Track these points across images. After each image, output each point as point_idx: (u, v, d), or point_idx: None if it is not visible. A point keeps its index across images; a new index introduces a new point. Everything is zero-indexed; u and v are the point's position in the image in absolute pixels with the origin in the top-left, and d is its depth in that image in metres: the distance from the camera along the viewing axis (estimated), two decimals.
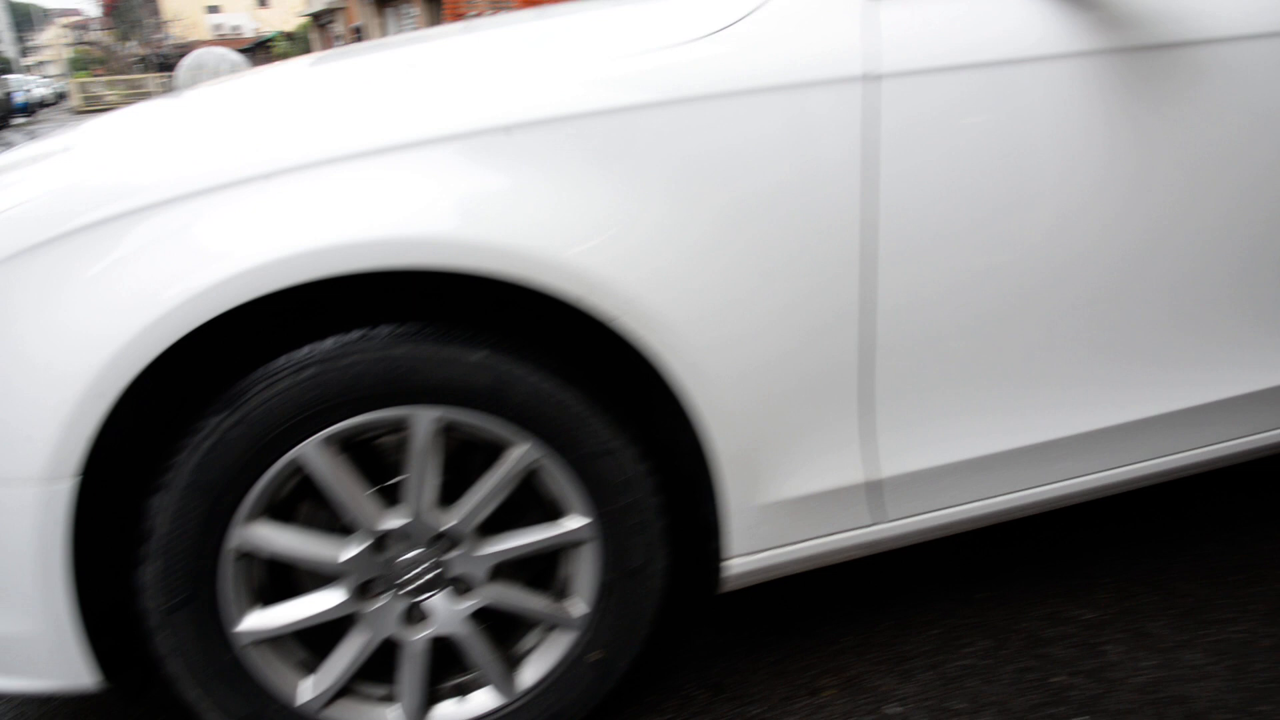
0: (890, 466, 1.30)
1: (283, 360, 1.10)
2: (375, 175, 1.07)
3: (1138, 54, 1.29)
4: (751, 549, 1.30)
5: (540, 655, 1.32)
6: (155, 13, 49.32)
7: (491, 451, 1.20)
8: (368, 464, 1.21)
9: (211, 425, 1.10)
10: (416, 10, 21.44)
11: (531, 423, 1.17)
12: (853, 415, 1.27)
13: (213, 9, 53.00)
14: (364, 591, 1.24)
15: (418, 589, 1.25)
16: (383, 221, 1.05)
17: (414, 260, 1.06)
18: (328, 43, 33.14)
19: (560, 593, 1.31)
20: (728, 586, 1.34)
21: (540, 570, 1.32)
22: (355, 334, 1.11)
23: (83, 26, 55.10)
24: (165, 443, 1.14)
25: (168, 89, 35.97)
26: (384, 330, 1.11)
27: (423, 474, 1.18)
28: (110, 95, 35.47)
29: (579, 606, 1.29)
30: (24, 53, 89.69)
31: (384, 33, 25.09)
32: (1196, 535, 1.83)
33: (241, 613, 1.20)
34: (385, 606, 1.25)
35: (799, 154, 1.15)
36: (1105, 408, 1.39)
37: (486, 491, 1.20)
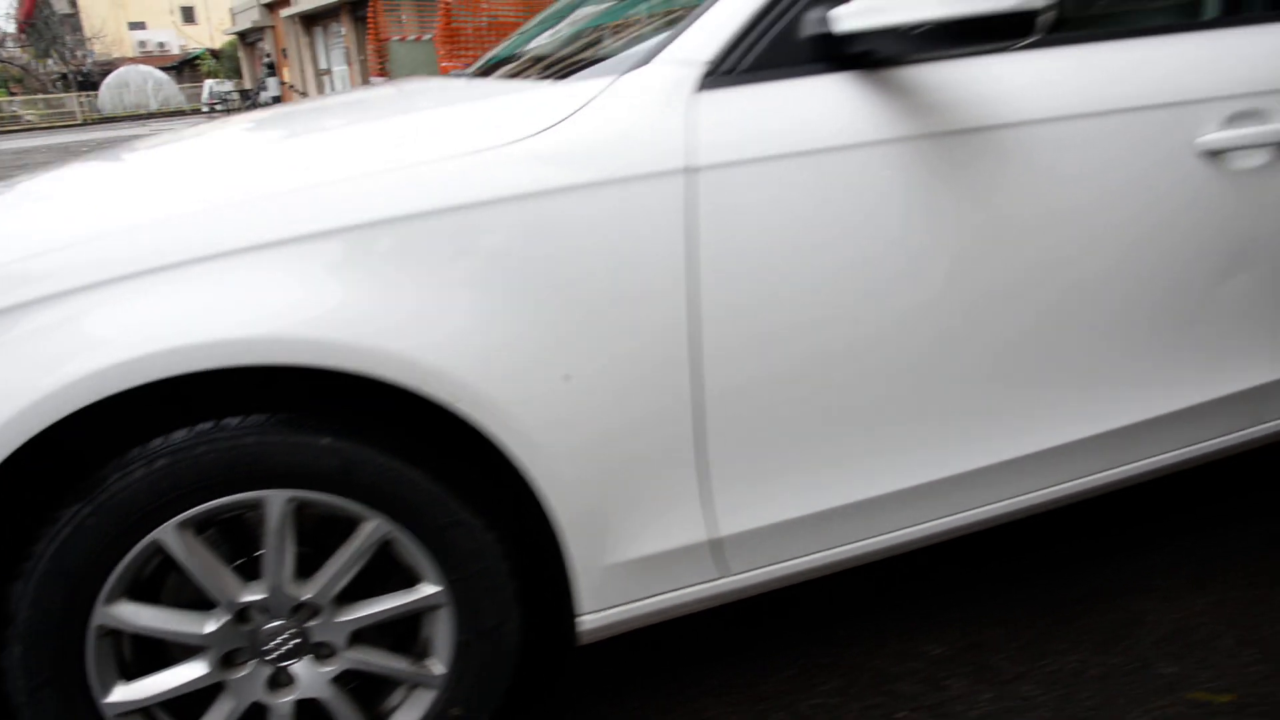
0: (728, 526, 1.40)
1: (136, 451, 1.16)
2: (218, 278, 1.13)
3: (945, 138, 1.41)
4: (601, 606, 1.38)
5: (404, 712, 1.39)
6: (77, 29, 48.10)
7: (348, 524, 1.28)
8: (236, 537, 1.28)
9: (69, 515, 1.15)
10: (345, 30, 21.32)
11: (380, 500, 1.24)
12: (692, 480, 1.36)
13: (137, 25, 51.83)
14: (229, 660, 1.30)
15: (281, 656, 1.31)
16: (225, 323, 1.12)
17: (262, 358, 1.13)
18: (255, 63, 32.69)
19: (421, 653, 1.38)
20: (584, 640, 1.43)
21: (404, 632, 1.40)
22: (206, 425, 1.17)
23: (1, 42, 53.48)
24: (25, 529, 1.18)
25: (90, 108, 35.03)
26: (233, 421, 1.18)
27: (279, 550, 1.25)
28: (29, 115, 34.56)
29: (438, 666, 1.36)
30: None
31: (313, 54, 24.87)
32: (1043, 571, 1.97)
33: (107, 687, 1.25)
34: (250, 674, 1.31)
35: (626, 244, 1.25)
36: (930, 464, 1.51)
37: (341, 564, 1.27)
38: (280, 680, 1.33)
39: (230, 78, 35.18)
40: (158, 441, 1.17)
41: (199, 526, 1.23)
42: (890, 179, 1.37)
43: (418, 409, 1.26)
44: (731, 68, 1.32)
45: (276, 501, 1.22)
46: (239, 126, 1.79)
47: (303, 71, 25.79)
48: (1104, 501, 2.17)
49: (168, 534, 1.20)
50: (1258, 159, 1.63)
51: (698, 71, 1.30)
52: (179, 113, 35.78)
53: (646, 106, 1.28)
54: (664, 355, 1.29)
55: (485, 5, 8.35)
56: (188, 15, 51.08)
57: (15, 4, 44.81)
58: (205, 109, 32.33)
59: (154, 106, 36.72)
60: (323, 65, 24.53)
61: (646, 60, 1.32)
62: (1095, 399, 1.63)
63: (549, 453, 1.26)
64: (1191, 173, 1.59)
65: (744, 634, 1.82)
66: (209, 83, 34.72)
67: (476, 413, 1.21)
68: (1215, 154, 1.59)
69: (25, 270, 1.13)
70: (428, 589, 1.32)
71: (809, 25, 1.35)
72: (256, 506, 1.24)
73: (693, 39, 1.32)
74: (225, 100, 32.21)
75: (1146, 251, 1.59)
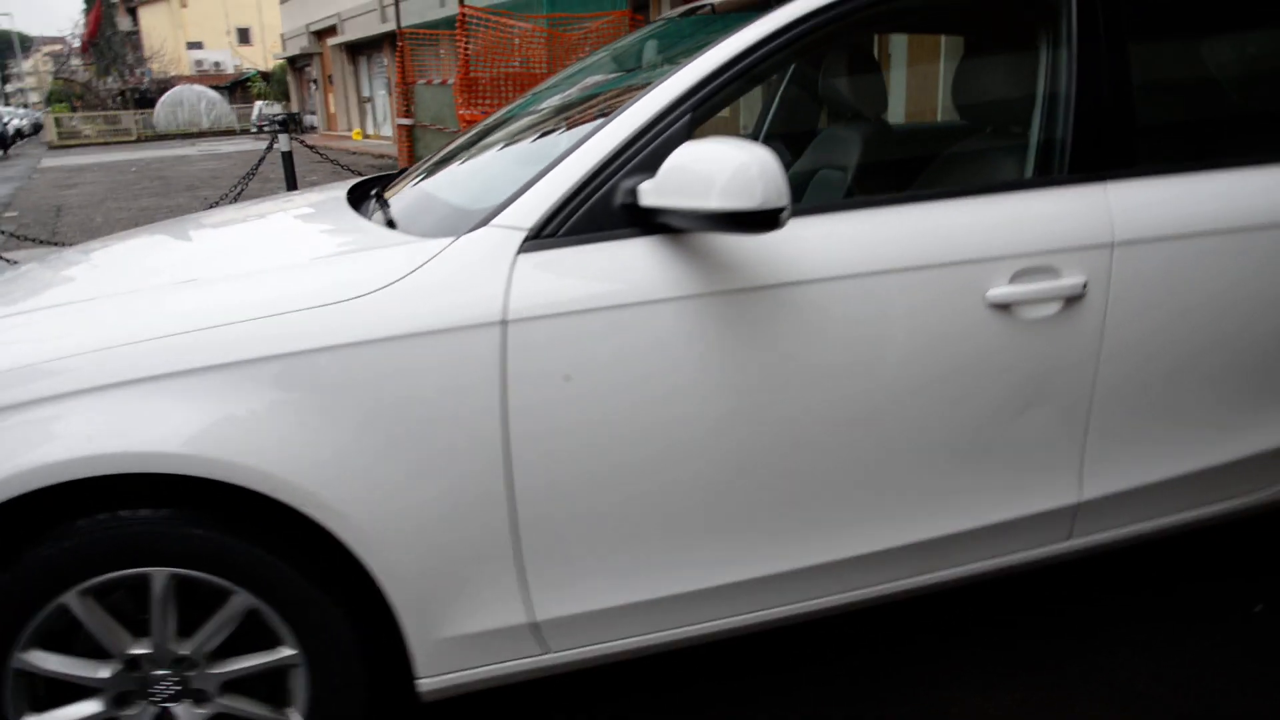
0: (544, 612, 1.66)
1: (48, 533, 1.45)
2: (123, 400, 1.43)
3: (743, 294, 1.64)
4: (436, 672, 1.65)
5: None
6: (137, 47, 49.83)
7: (222, 595, 1.56)
8: (142, 598, 1.56)
9: None
10: (387, 61, 21.98)
11: (245, 579, 1.53)
12: (511, 574, 1.63)
13: (195, 45, 53.63)
14: (122, 700, 1.59)
15: (164, 699, 1.60)
16: (126, 439, 1.40)
17: (154, 468, 1.41)
18: (303, 87, 33.69)
19: (284, 702, 1.66)
20: (426, 699, 1.69)
21: (276, 684, 1.67)
22: (104, 515, 1.46)
23: (65, 57, 55.46)
24: None
25: (145, 125, 36.05)
26: (126, 512, 1.47)
27: (162, 614, 1.53)
28: (87, 130, 35.78)
29: (296, 715, 1.64)
30: (4, 80, 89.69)
31: (357, 82, 25.64)
32: (881, 661, 2.21)
33: (20, 718, 1.54)
34: (139, 713, 1.60)
35: (450, 384, 1.52)
36: (730, 568, 1.75)
37: (212, 629, 1.56)
38: (164, 719, 1.61)
39: (279, 100, 36.23)
40: (66, 526, 1.46)
41: (102, 591, 1.52)
42: (688, 331, 1.61)
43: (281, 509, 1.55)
44: (553, 231, 1.59)
45: (159, 576, 1.50)
46: (158, 251, 2.04)
47: (347, 99, 26.58)
48: (949, 599, 2.39)
49: (71, 599, 1.49)
50: (1048, 310, 1.84)
51: (521, 236, 1.58)
52: (229, 132, 36.95)
53: (475, 266, 1.55)
54: (481, 477, 1.56)
55: (504, 56, 8.75)
56: (244, 36, 52.74)
57: (82, 23, 46.53)
58: (254, 129, 33.40)
59: (206, 125, 37.90)
60: (365, 94, 25.28)
61: (483, 223, 1.60)
62: (897, 515, 1.85)
63: (382, 548, 1.53)
64: (983, 322, 1.79)
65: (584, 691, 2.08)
66: (259, 104, 35.87)
67: (320, 515, 1.49)
68: (1005, 306, 1.80)
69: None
70: (286, 651, 1.60)
71: (621, 194, 1.61)
72: (148, 578, 1.52)
73: (521, 207, 1.60)
74: (273, 122, 33.21)
75: (942, 389, 1.80)
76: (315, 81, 30.79)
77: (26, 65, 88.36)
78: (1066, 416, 1.93)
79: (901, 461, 1.82)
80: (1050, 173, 1.94)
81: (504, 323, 1.53)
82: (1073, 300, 1.85)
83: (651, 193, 1.57)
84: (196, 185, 14.69)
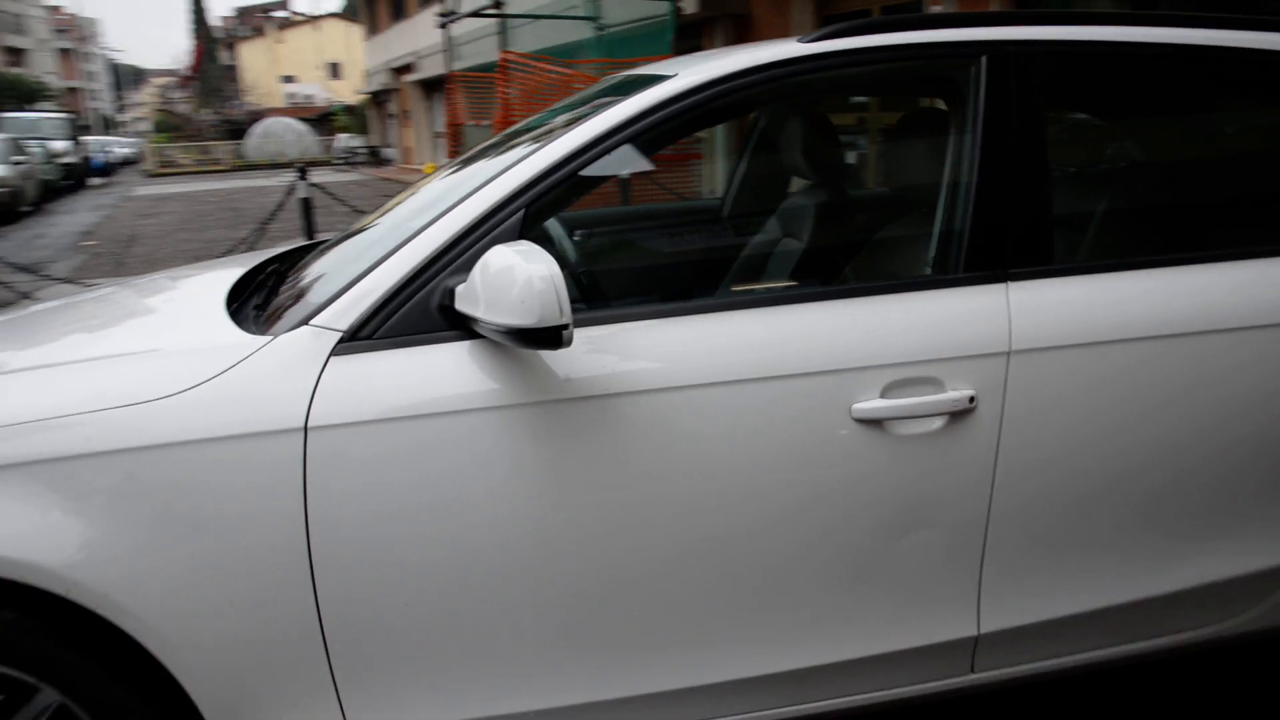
0: None
1: None
2: None
3: (567, 405, 1.56)
4: None
5: None
6: (235, 79, 52.23)
7: (30, 690, 1.55)
8: None
9: None
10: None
11: (51, 676, 1.51)
12: (328, 685, 1.58)
13: (288, 78, 55.91)
14: None
15: None
16: None
17: None
18: (382, 120, 34.75)
19: None
20: None
21: None
22: None
23: (169, 89, 58.45)
24: None
25: (236, 155, 37.60)
26: None
27: None
28: (182, 159, 37.52)
29: None
30: (121, 109, 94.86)
31: (430, 117, 26.31)
32: None
33: None
34: None
35: (250, 491, 1.48)
36: (553, 692, 1.66)
37: None
38: None
39: (359, 134, 37.47)
40: None
41: None
42: (509, 444, 1.53)
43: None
44: (371, 333, 1.54)
45: None
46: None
47: (420, 133, 27.28)
48: None
49: None
50: (928, 426, 1.68)
51: (335, 338, 1.54)
52: (313, 163, 38.27)
53: (286, 368, 1.52)
54: (284, 587, 1.52)
55: (545, 101, 8.83)
56: (334, 71, 54.79)
57: (185, 59, 48.96)
58: (335, 161, 34.60)
59: (292, 155, 39.35)
60: (437, 129, 25.88)
61: (302, 322, 1.57)
62: (755, 643, 1.72)
63: (184, 653, 1.50)
64: (848, 439, 1.65)
65: None
66: (341, 137, 37.13)
67: (118, 617, 1.47)
68: (875, 421, 1.65)
69: None
70: None
71: (441, 295, 1.56)
72: None
73: (339, 307, 1.56)
74: (354, 154, 34.44)
75: (802, 510, 1.66)
76: (393, 116, 31.73)
77: (140, 96, 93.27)
78: (957, 543, 1.76)
79: (755, 587, 1.70)
80: (945, 270, 1.80)
81: (306, 430, 1.49)
82: (959, 415, 1.69)
83: (462, 298, 1.52)
84: (265, 219, 15.17)
